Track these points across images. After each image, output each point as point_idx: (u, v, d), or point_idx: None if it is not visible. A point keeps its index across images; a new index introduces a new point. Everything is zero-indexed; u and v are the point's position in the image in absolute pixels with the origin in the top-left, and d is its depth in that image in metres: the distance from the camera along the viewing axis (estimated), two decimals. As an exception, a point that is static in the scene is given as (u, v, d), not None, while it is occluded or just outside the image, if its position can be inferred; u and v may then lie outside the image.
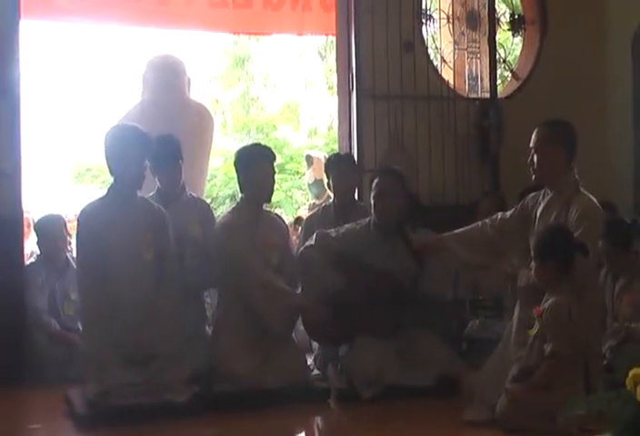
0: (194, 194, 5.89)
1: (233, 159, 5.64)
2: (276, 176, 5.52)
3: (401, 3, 7.17)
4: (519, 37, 8.10)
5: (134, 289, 4.93)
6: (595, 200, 4.65)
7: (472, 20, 7.68)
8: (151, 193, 5.56)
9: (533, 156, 4.73)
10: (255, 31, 9.54)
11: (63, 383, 5.31)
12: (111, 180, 5.16)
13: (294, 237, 6.58)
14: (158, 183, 5.64)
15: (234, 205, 5.69)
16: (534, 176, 4.77)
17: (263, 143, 6.67)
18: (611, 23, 7.95)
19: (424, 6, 7.43)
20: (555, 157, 4.69)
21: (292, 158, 15.20)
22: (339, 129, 7.51)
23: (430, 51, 7.52)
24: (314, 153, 10.36)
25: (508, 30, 8.03)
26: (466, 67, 7.70)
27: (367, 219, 5.60)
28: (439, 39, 7.63)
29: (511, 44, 8.25)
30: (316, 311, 5.21)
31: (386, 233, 5.49)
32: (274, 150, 5.66)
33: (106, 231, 4.94)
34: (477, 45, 7.68)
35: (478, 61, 7.69)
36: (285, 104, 17.50)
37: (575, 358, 4.28)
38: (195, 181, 7.25)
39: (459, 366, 5.29)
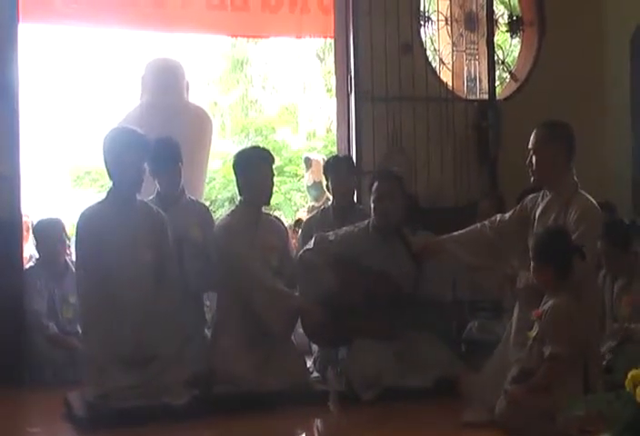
0: (193, 198, 5.90)
1: (232, 162, 5.65)
2: (275, 179, 5.52)
3: (399, 5, 7.17)
4: (517, 39, 8.09)
5: (133, 292, 4.93)
6: (593, 201, 4.65)
7: (470, 22, 7.67)
8: (151, 197, 5.57)
9: (531, 157, 4.74)
10: (254, 34, 9.52)
11: (62, 386, 5.33)
12: (110, 183, 5.16)
13: (293, 240, 6.58)
14: (158, 186, 5.64)
15: (233, 208, 5.70)
16: (532, 177, 4.77)
17: (261, 145, 6.69)
18: (609, 24, 7.95)
19: (422, 8, 7.42)
20: (554, 158, 4.70)
21: (290, 160, 15.19)
22: (338, 131, 7.51)
23: (428, 52, 7.51)
24: (312, 156, 10.33)
25: (506, 31, 8.01)
26: (465, 69, 7.70)
27: (366, 221, 5.61)
28: (437, 41, 7.62)
29: (509, 46, 8.23)
30: (316, 313, 5.21)
31: (385, 236, 5.50)
32: (272, 152, 5.66)
33: (106, 234, 4.94)
34: (476, 47, 7.68)
35: (477, 62, 7.69)
36: (284, 107, 17.48)
37: (575, 359, 4.28)
38: (194, 183, 7.24)
39: (458, 368, 5.29)
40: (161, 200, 5.56)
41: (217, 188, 14.77)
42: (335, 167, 6.18)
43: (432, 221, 5.87)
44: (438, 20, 7.55)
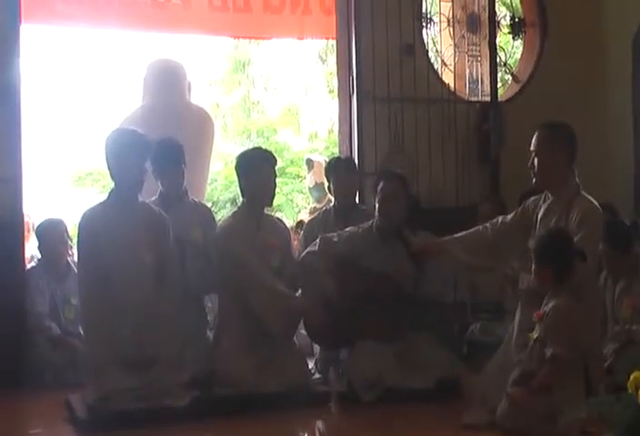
0: (195, 199, 5.90)
1: (234, 163, 5.65)
2: (277, 180, 5.53)
3: (401, 6, 7.17)
4: (519, 40, 8.09)
5: (134, 293, 4.93)
6: (595, 203, 4.65)
7: (472, 23, 7.68)
8: (153, 198, 5.57)
9: (533, 159, 4.74)
10: (256, 35, 9.50)
11: (63, 388, 5.33)
12: (112, 184, 5.16)
13: (295, 242, 6.58)
14: (161, 187, 5.64)
15: (235, 209, 5.70)
16: (534, 179, 4.77)
17: (263, 146, 6.69)
18: (611, 25, 7.95)
19: (424, 9, 7.43)
20: (556, 160, 4.69)
21: (292, 162, 15.17)
22: (339, 132, 7.52)
23: (430, 54, 7.52)
24: (314, 157, 10.35)
25: (509, 33, 8.02)
26: (467, 70, 7.70)
27: (370, 222, 5.61)
28: (439, 42, 7.63)
29: (511, 47, 8.25)
30: (317, 314, 5.21)
31: (388, 237, 5.49)
32: (274, 154, 5.66)
33: (107, 235, 4.94)
34: (478, 48, 7.69)
35: (479, 64, 7.69)
36: (286, 108, 17.46)
37: (576, 361, 4.28)
38: (196, 185, 7.24)
39: (459, 369, 5.29)
40: (163, 201, 5.57)
41: (219, 189, 14.77)
42: (337, 168, 6.19)
43: (433, 221, 5.87)
44: (440, 21, 7.57)
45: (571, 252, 4.35)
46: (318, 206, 8.98)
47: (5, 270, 5.95)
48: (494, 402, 4.40)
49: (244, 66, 17.71)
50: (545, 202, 4.77)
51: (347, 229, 5.65)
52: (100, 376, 4.76)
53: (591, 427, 3.93)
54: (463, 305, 6.08)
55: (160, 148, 5.48)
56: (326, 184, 6.53)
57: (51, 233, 6.34)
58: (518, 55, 8.22)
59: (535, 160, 4.72)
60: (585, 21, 7.86)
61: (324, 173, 6.51)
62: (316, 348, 5.85)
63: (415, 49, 7.28)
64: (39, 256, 6.50)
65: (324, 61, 16.85)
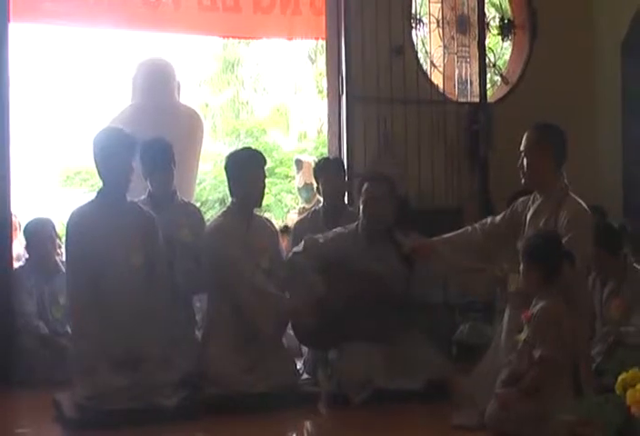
0: (184, 199, 5.89)
1: (223, 163, 5.63)
2: (266, 180, 5.51)
3: (391, 7, 7.18)
4: (509, 42, 8.11)
5: (123, 292, 4.92)
6: (584, 205, 4.66)
7: (462, 24, 7.69)
8: (142, 197, 5.56)
9: (522, 160, 4.75)
10: (245, 35, 9.53)
11: (51, 387, 5.29)
12: (100, 183, 5.15)
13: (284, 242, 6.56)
14: (150, 187, 5.63)
15: (224, 209, 5.68)
16: (523, 180, 4.78)
17: (253, 147, 6.67)
18: (600, 27, 7.98)
19: (413, 10, 7.44)
20: (545, 161, 4.71)
21: (281, 162, 15.16)
22: (329, 133, 7.51)
23: (420, 55, 7.53)
24: (303, 157, 10.31)
25: (498, 34, 8.04)
26: (456, 71, 7.71)
27: (355, 223, 5.61)
28: (429, 43, 7.64)
29: (501, 49, 8.25)
30: (305, 315, 5.20)
31: (375, 238, 5.49)
32: (264, 154, 5.65)
33: (96, 234, 4.93)
34: (467, 50, 7.70)
35: (468, 65, 7.71)
36: (275, 108, 17.46)
37: (565, 362, 4.29)
38: (185, 185, 7.22)
39: (449, 370, 5.28)
40: (152, 200, 5.56)
41: (208, 189, 14.75)
42: (326, 169, 6.18)
43: (422, 222, 5.87)
44: (430, 22, 7.57)
45: (559, 254, 4.36)
46: (307, 206, 8.96)
47: (-8, 269, 5.93)
48: (483, 403, 4.40)
49: (233, 66, 17.71)
50: (534, 202, 4.77)
51: (333, 230, 5.64)
52: (89, 375, 4.74)
53: (580, 428, 3.93)
54: (452, 306, 6.09)
55: (149, 148, 5.46)
56: (315, 185, 6.52)
57: (39, 233, 6.31)
58: (507, 57, 8.24)
59: (525, 160, 4.73)
60: (575, 22, 7.88)
61: (312, 173, 6.50)
62: (305, 348, 5.84)
63: (404, 50, 7.29)
64: (27, 256, 6.47)
65: (313, 61, 16.86)
